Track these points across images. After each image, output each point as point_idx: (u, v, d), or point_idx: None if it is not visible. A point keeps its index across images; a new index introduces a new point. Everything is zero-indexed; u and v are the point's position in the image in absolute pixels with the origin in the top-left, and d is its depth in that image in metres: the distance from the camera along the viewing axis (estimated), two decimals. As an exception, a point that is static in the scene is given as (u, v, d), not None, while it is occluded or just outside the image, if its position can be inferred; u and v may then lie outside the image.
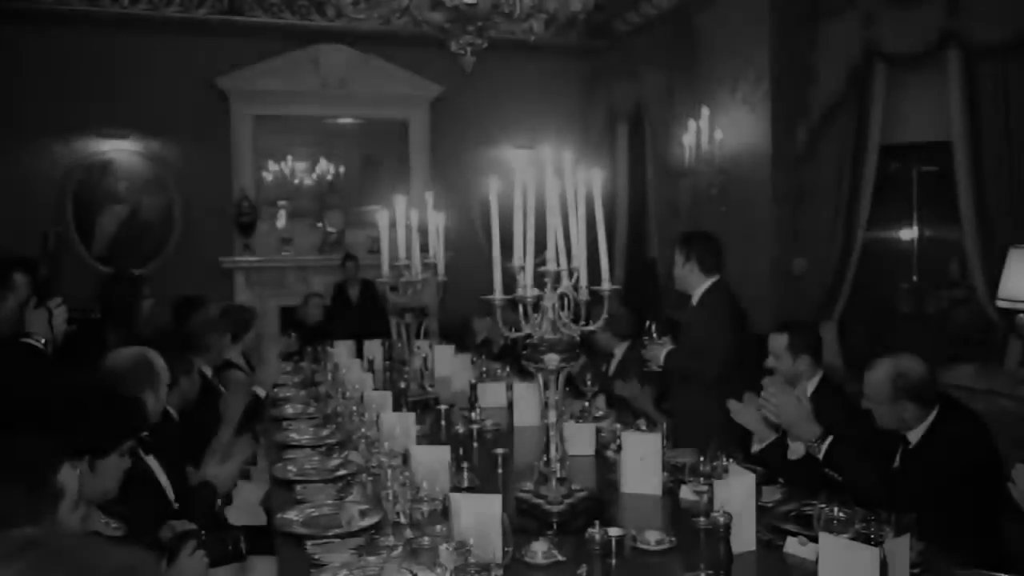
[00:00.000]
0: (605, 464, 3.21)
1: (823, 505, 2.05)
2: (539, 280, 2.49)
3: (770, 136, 6.73)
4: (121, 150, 8.16)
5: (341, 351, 5.22)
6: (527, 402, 3.90)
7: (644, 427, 3.32)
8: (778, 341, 3.50)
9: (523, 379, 4.55)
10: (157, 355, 2.87)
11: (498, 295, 2.55)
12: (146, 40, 8.05)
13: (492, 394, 4.21)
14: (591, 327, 2.57)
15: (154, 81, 8.02)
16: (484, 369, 4.77)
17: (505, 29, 3.77)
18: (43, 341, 2.79)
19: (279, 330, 7.82)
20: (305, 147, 8.79)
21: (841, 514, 1.97)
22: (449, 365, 5.00)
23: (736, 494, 2.23)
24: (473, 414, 3.78)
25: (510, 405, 4.14)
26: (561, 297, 2.53)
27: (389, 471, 2.42)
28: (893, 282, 7.21)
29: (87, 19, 7.90)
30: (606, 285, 2.56)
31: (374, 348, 5.45)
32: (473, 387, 3.92)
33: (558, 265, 2.51)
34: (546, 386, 2.57)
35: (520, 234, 2.47)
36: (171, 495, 2.71)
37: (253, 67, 8.29)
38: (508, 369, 4.86)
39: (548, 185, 2.46)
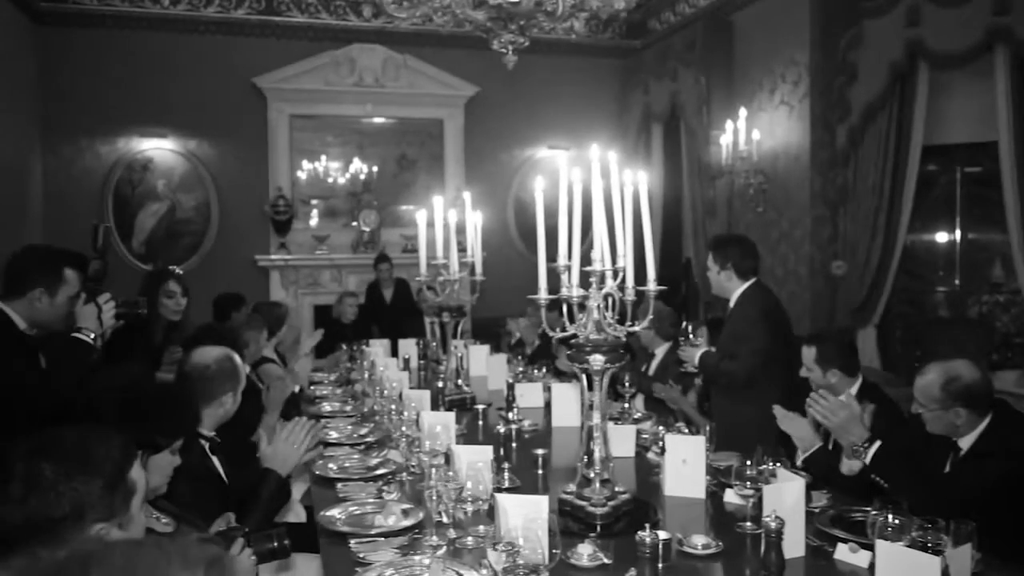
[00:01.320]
0: (646, 466, 3.18)
1: (876, 511, 2.00)
2: (583, 280, 2.48)
3: (809, 136, 6.65)
4: (160, 149, 8.27)
5: (377, 350, 5.23)
6: (565, 403, 3.87)
7: (685, 429, 3.30)
8: (807, 354, 3.43)
9: (560, 379, 4.54)
10: (237, 355, 2.88)
11: (543, 295, 2.54)
12: (186, 40, 8.17)
13: (529, 394, 4.19)
14: (636, 328, 2.55)
15: (193, 81, 8.13)
16: (521, 369, 4.75)
17: (546, 27, 3.75)
18: (93, 336, 2.82)
19: (312, 328, 7.87)
20: (340, 146, 8.84)
21: (896, 521, 1.93)
22: (484, 365, 4.99)
23: (786, 499, 2.19)
24: (510, 414, 3.76)
25: (547, 405, 4.13)
26: (605, 297, 2.50)
27: (433, 471, 2.41)
28: (934, 285, 7.10)
29: (129, 20, 8.04)
30: (652, 285, 2.53)
31: (409, 347, 5.46)
32: (510, 387, 3.90)
33: (603, 265, 2.48)
34: (590, 387, 2.54)
35: (565, 234, 2.45)
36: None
37: (290, 67, 8.38)
38: (544, 369, 4.86)
39: (594, 185, 2.44)
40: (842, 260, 6.58)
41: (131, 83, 7.96)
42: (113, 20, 8.00)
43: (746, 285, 3.96)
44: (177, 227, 8.36)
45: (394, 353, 5.46)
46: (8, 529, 1.38)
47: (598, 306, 2.48)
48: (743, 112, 6.99)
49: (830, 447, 3.13)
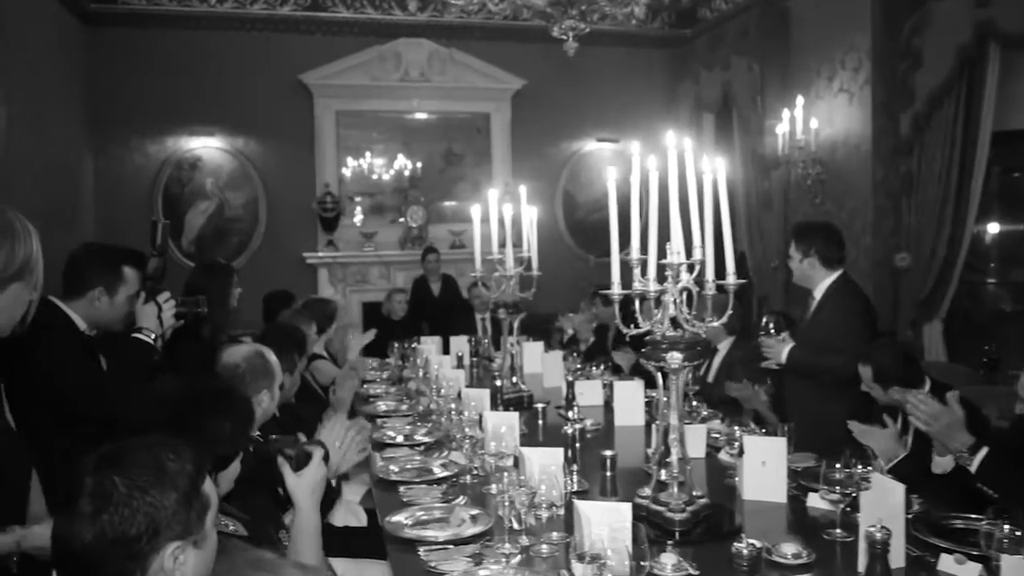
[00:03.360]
0: (718, 468, 3.04)
1: (991, 522, 1.85)
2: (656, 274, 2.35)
3: (871, 125, 6.42)
4: (208, 147, 8.29)
5: (429, 347, 5.13)
6: (627, 401, 3.74)
7: (760, 429, 3.15)
8: (864, 373, 3.23)
9: (619, 376, 4.41)
10: (271, 352, 2.80)
11: (616, 289, 2.42)
12: (232, 38, 8.18)
13: (589, 392, 4.07)
14: (716, 323, 2.41)
15: (240, 78, 8.14)
16: (578, 367, 4.63)
17: (608, 12, 3.61)
18: (153, 337, 2.76)
19: (362, 326, 7.82)
20: (384, 142, 8.78)
21: (1017, 533, 1.77)
22: (538, 362, 4.87)
23: (886, 506, 2.05)
24: (571, 413, 3.65)
25: (607, 404, 4.01)
26: (681, 292, 2.37)
27: (505, 476, 2.30)
28: (1004, 277, 6.83)
29: (177, 19, 8.08)
30: (731, 278, 2.39)
31: (461, 344, 5.36)
32: (571, 385, 3.79)
33: (680, 258, 2.34)
34: (666, 385, 2.42)
35: (638, 227, 2.33)
36: (281, 491, 2.64)
37: (336, 63, 8.34)
38: (603, 367, 4.73)
39: (671, 173, 2.32)
40: (906, 252, 6.34)
41: (179, 82, 7.98)
42: (161, 19, 8.04)
43: (834, 276, 3.78)
44: (226, 225, 8.38)
45: (445, 350, 5.37)
46: (77, 547, 1.28)
47: (675, 301, 2.35)
48: (800, 100, 6.77)
49: (934, 455, 2.94)
